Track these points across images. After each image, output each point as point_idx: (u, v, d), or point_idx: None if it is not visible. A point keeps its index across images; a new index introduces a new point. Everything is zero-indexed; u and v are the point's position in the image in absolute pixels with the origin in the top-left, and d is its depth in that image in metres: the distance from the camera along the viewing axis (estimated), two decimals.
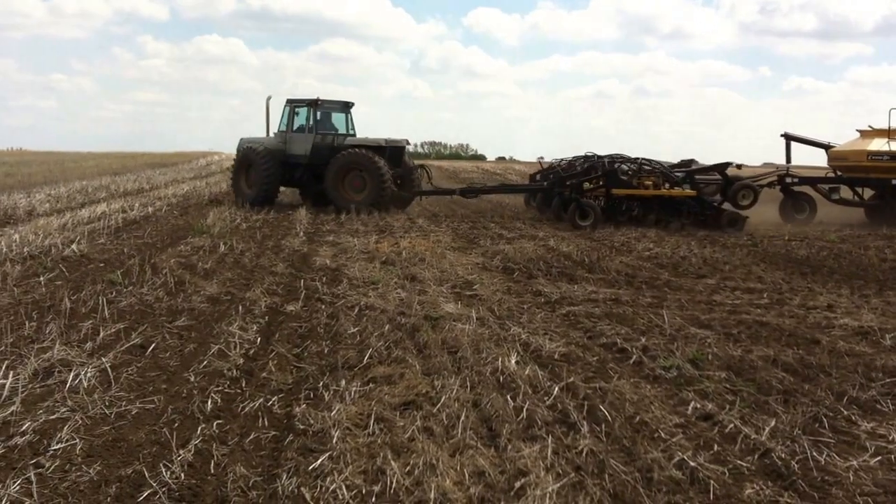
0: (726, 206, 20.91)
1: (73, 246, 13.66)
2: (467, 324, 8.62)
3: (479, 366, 7.13)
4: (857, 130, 23.46)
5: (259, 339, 8.08)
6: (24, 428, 5.47)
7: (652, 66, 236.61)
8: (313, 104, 23.77)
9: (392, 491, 4.70)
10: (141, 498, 4.59)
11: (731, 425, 5.82)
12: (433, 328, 8.50)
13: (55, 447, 5.21)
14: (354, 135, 24.18)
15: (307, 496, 4.64)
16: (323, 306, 9.65)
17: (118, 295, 9.85)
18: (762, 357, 7.64)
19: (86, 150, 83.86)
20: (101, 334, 7.94)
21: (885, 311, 10.01)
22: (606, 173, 21.01)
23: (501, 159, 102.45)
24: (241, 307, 9.39)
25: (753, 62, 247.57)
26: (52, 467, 4.94)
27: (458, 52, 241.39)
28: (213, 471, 4.99)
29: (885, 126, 22.40)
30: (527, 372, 6.94)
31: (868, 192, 23.58)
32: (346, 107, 24.70)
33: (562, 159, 25.41)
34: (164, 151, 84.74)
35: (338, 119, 24.67)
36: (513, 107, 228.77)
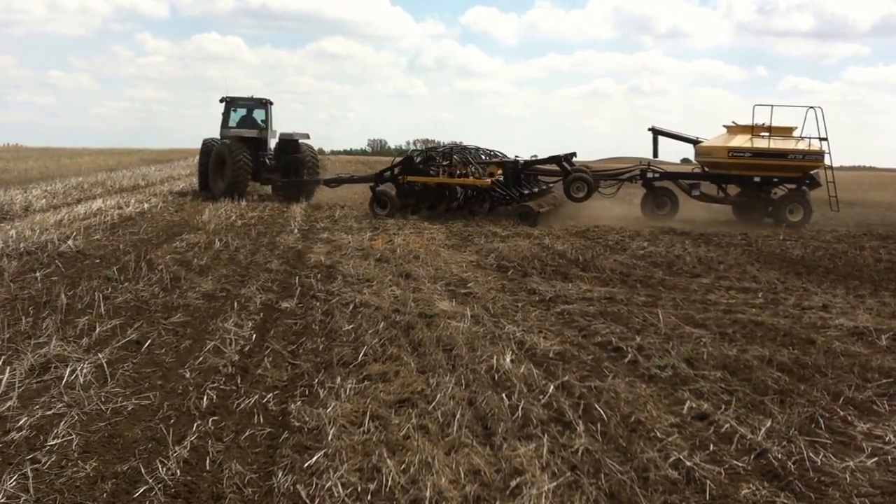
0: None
1: (69, 242, 13.63)
2: (462, 322, 8.62)
3: (474, 364, 7.13)
4: (724, 126, 23.28)
5: (254, 335, 8.08)
6: (20, 423, 5.47)
7: (648, 65, 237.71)
8: (224, 101, 26.44)
9: (388, 489, 4.70)
10: (137, 494, 4.58)
11: (727, 425, 5.83)
12: (428, 326, 8.50)
13: (51, 443, 5.20)
14: (266, 129, 26.38)
15: (303, 494, 4.64)
16: (318, 303, 9.64)
17: (114, 291, 9.84)
18: (757, 357, 7.65)
19: (81, 146, 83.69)
20: (97, 330, 7.93)
21: (880, 312, 10.03)
22: (402, 161, 21.70)
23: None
24: (236, 304, 9.38)
25: (750, 62, 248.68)
26: (49, 463, 4.93)
27: (455, 50, 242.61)
28: (208, 467, 4.99)
29: (755, 122, 22.28)
30: (522, 370, 6.94)
31: (736, 189, 23.39)
32: (261, 104, 26.66)
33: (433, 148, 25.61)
34: (161, 148, 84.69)
35: (261, 115, 26.76)
36: (508, 105, 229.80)
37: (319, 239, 15.87)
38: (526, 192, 21.50)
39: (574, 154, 22.67)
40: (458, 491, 4.69)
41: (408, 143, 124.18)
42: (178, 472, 4.85)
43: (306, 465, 4.98)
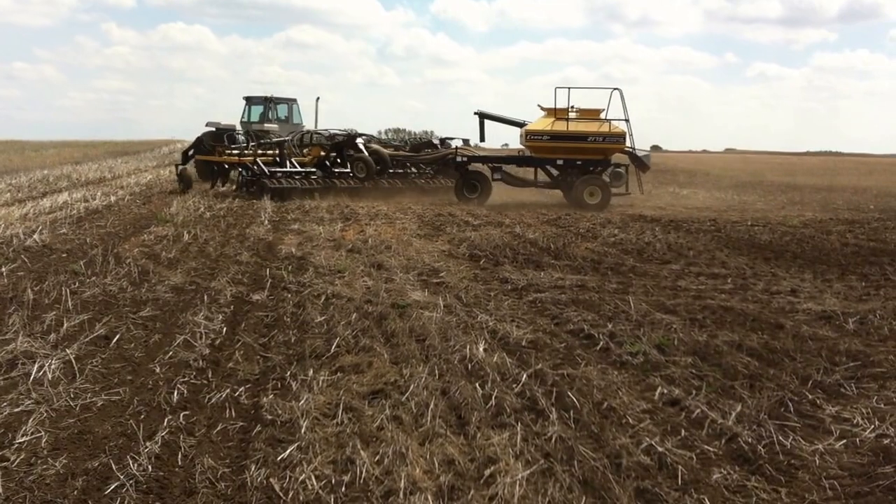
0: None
1: (35, 236, 13.47)
2: (435, 311, 8.61)
3: (448, 353, 7.13)
4: (539, 108, 23.21)
5: (225, 328, 8.02)
6: None
7: (619, 53, 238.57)
8: (245, 99, 32.48)
9: (362, 480, 4.69)
10: (108, 491, 4.54)
11: (698, 410, 5.88)
12: (400, 316, 8.48)
13: (20, 440, 5.15)
14: (259, 123, 29.94)
15: (276, 487, 4.62)
16: (289, 295, 9.59)
17: (81, 285, 9.73)
18: (727, 342, 7.71)
19: (47, 139, 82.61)
20: (65, 325, 7.84)
21: (847, 296, 10.14)
22: (194, 143, 25.99)
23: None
24: (206, 297, 9.31)
25: (719, 49, 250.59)
26: (18, 461, 4.88)
27: (426, 39, 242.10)
28: (180, 462, 4.95)
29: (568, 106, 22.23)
30: (495, 359, 6.95)
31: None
32: (265, 101, 31.62)
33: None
34: (127, 140, 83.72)
35: (281, 111, 31.98)
36: (479, 93, 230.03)
37: (290, 230, 15.76)
38: (275, 170, 22.94)
39: (450, 139, 25.39)
40: (432, 481, 4.69)
41: (379, 133, 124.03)
42: (150, 467, 4.82)
43: (279, 458, 4.96)
